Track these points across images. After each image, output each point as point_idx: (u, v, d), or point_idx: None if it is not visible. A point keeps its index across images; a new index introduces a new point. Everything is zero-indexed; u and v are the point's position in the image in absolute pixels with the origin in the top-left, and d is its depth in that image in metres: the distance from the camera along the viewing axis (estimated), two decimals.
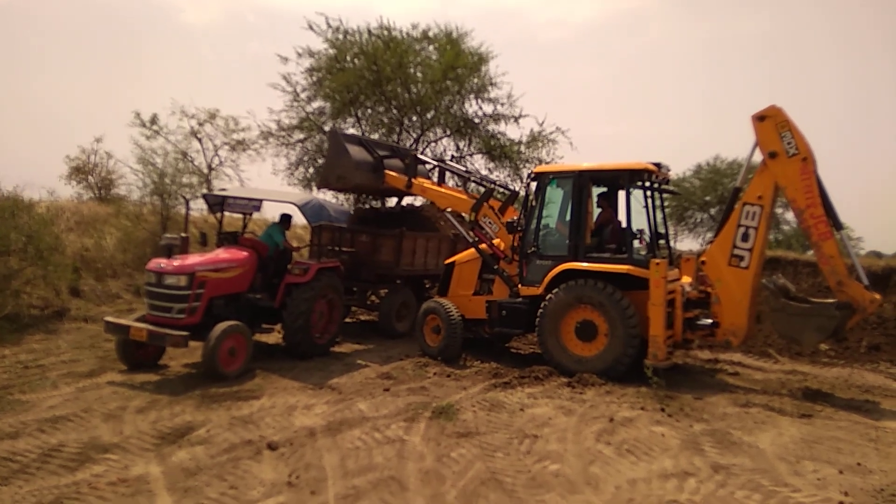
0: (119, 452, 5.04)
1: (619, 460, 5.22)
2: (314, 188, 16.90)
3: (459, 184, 13.28)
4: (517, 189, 10.71)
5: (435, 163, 11.35)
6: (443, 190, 10.61)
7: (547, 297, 8.45)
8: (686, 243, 26.25)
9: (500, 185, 10.79)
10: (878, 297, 7.64)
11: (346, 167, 10.25)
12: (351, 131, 16.91)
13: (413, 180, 10.42)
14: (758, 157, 8.04)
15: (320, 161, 16.14)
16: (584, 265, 8.31)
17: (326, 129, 16.65)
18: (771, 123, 7.79)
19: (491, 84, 16.55)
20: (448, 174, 11.46)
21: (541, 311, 8.45)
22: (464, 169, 11.88)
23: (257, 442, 5.34)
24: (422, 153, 13.83)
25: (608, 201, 9.16)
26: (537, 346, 8.74)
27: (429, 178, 11.47)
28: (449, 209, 10.74)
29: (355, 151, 10.40)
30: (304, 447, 5.26)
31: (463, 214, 10.27)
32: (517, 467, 5.01)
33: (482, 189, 10.23)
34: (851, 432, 6.21)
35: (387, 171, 10.57)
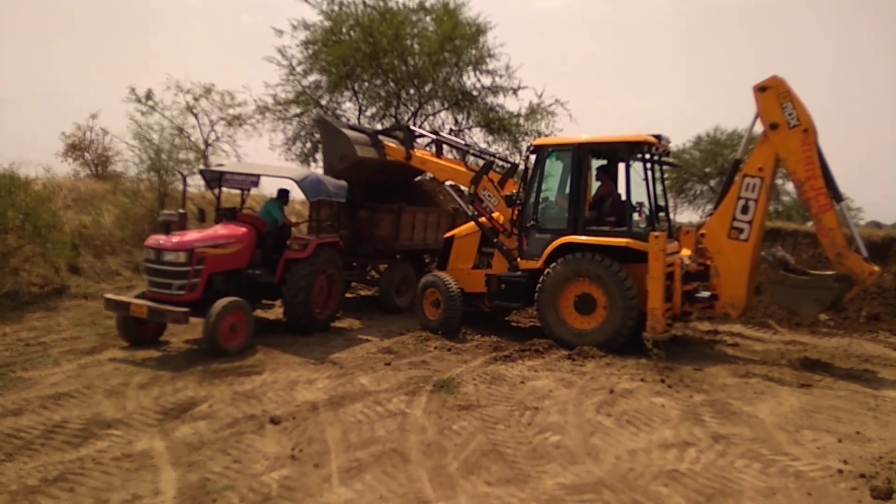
0: (122, 428, 5.07)
1: (620, 431, 5.26)
2: (312, 163, 16.82)
3: (458, 157, 13.21)
4: (516, 162, 10.62)
5: (430, 135, 11.25)
6: (442, 162, 10.53)
7: (546, 271, 8.45)
8: (686, 215, 26.18)
9: (499, 158, 10.71)
10: (876, 268, 7.64)
11: (345, 146, 10.21)
12: (346, 106, 16.77)
13: (412, 152, 10.37)
14: (758, 128, 7.97)
15: (317, 136, 15.99)
16: (583, 238, 8.28)
17: (323, 102, 16.47)
18: (772, 94, 7.69)
19: (489, 55, 16.34)
20: (446, 148, 11.37)
21: (540, 284, 8.45)
22: (462, 143, 11.78)
23: (260, 416, 5.37)
24: (420, 127, 13.70)
25: (608, 174, 9.09)
26: (537, 319, 8.77)
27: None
28: (448, 182, 10.68)
29: (348, 131, 10.45)
30: (307, 421, 5.29)
31: (462, 187, 10.21)
32: (518, 439, 5.05)
33: (481, 162, 10.16)
34: (850, 401, 6.26)
35: (386, 143, 10.54)
